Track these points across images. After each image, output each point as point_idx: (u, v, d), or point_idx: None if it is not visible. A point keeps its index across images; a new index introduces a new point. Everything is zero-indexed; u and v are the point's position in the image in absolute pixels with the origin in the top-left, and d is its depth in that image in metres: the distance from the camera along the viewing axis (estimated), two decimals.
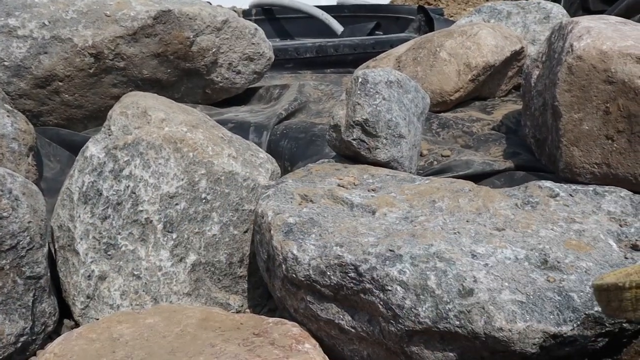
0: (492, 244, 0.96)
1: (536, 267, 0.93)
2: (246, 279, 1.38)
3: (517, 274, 0.91)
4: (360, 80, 1.30)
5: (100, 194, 1.29)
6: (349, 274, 0.98)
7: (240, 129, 1.68)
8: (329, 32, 3.73)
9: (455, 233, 1.00)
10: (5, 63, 1.73)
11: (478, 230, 1.01)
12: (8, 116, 1.50)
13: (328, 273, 1.01)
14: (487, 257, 0.94)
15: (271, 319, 1.12)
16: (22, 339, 1.20)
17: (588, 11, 2.88)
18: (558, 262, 0.93)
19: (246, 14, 3.96)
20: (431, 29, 2.95)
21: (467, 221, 1.04)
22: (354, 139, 1.31)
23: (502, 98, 2.00)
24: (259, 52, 2.00)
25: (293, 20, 3.96)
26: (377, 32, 3.50)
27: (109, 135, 1.31)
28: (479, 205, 1.08)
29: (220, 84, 1.98)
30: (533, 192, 1.13)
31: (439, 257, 0.93)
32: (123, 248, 1.30)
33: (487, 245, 0.96)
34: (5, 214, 1.16)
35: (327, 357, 1.03)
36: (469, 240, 0.98)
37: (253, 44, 1.98)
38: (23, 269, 1.21)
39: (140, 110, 1.32)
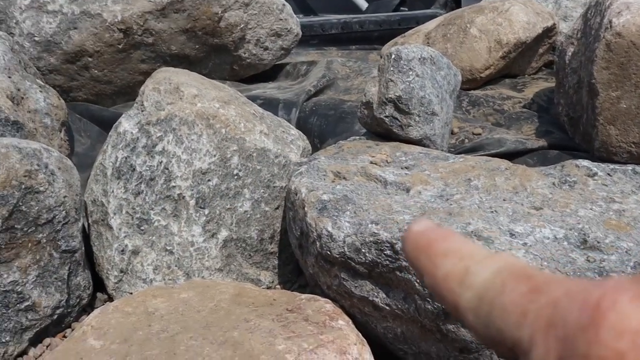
0: (531, 223, 0.95)
1: (576, 247, 0.92)
2: (277, 255, 1.38)
3: (556, 253, 0.90)
4: (393, 56, 1.29)
5: (134, 169, 1.30)
6: (385, 252, 0.98)
7: (270, 105, 1.68)
8: (352, 8, 3.70)
9: (492, 212, 0.99)
10: (36, 38, 1.73)
11: (516, 209, 1.00)
12: (41, 91, 1.51)
13: (363, 250, 1.01)
14: (526, 236, 0.93)
15: (304, 295, 1.13)
16: (58, 312, 1.22)
17: None
18: (598, 242, 0.92)
19: None
20: (458, 5, 2.91)
21: (504, 200, 1.03)
22: (386, 116, 1.30)
23: (532, 75, 1.97)
24: (286, 28, 1.99)
25: None
26: (402, 8, 3.46)
27: (142, 111, 1.31)
28: (516, 184, 1.07)
29: (248, 60, 1.97)
30: (570, 171, 1.12)
31: (477, 236, 0.93)
32: (156, 223, 1.31)
33: (526, 224, 0.95)
34: (41, 189, 1.17)
35: (360, 333, 1.04)
36: (507, 219, 0.97)
37: (281, 19, 1.97)
38: (59, 243, 1.22)
39: (172, 86, 1.32)
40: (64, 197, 1.21)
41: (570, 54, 1.47)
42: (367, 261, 1.01)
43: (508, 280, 0.21)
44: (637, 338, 0.17)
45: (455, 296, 0.23)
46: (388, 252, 0.98)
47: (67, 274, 1.25)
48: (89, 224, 1.37)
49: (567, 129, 1.51)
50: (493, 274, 0.22)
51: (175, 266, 1.31)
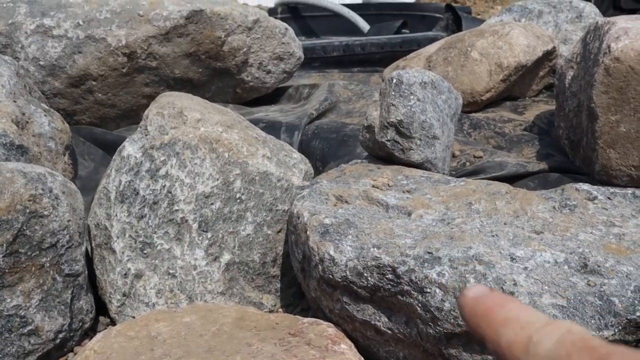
0: (531, 247, 0.96)
1: (576, 270, 0.93)
2: (279, 278, 1.39)
3: (557, 277, 0.91)
4: (394, 81, 1.30)
5: (137, 193, 1.31)
6: (387, 276, 0.99)
7: (272, 128, 1.69)
8: (355, 30, 3.73)
9: (493, 236, 1.00)
10: (41, 62, 1.75)
11: (516, 233, 1.01)
12: (45, 115, 1.53)
13: (365, 274, 1.01)
14: (527, 261, 0.93)
15: (306, 319, 1.13)
16: (60, 336, 1.23)
17: (620, 10, 2.85)
18: (598, 266, 0.93)
19: (272, 12, 3.98)
20: (459, 28, 2.94)
21: (505, 224, 1.04)
22: (388, 140, 1.31)
23: (533, 98, 1.99)
24: (289, 52, 2.01)
25: (319, 19, 3.97)
26: (403, 31, 3.49)
27: (146, 135, 1.33)
28: (517, 208, 1.08)
29: (251, 84, 1.99)
30: (570, 194, 1.12)
31: (478, 260, 0.93)
32: (159, 247, 1.31)
33: (526, 248, 0.96)
34: (46, 213, 1.18)
35: (362, 357, 1.04)
36: (508, 243, 0.98)
37: (283, 43, 1.99)
38: (62, 267, 1.23)
39: (176, 110, 1.33)
40: (68, 221, 1.22)
41: (570, 77, 1.48)
42: (369, 285, 1.01)
43: (572, 351, 0.22)
44: None
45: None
46: (390, 276, 0.98)
47: (70, 297, 1.25)
48: (91, 248, 1.37)
49: (568, 152, 1.52)
50: (557, 344, 0.23)
51: (178, 290, 1.32)
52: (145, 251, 1.31)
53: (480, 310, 0.26)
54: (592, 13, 2.07)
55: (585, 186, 1.15)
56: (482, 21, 3.07)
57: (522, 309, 0.25)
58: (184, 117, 1.33)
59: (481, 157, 1.55)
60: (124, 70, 1.80)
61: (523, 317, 0.25)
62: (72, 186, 1.28)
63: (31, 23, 1.74)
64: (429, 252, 0.96)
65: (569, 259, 0.94)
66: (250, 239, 1.34)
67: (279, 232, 1.36)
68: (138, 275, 1.32)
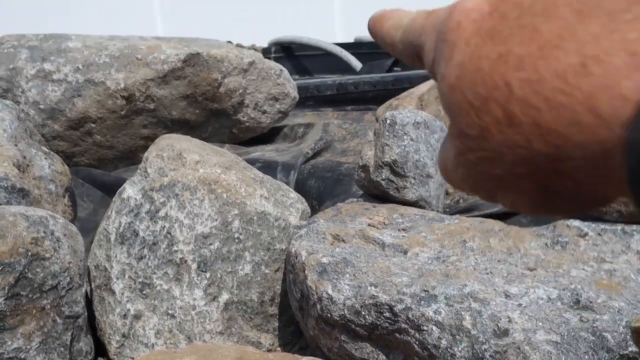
0: (525, 284, 0.98)
1: (569, 307, 0.95)
2: (277, 317, 1.40)
3: (550, 314, 0.93)
4: (388, 121, 1.34)
5: (137, 234, 1.33)
6: (384, 314, 1.01)
7: (269, 168, 1.72)
8: (347, 68, 3.80)
9: (487, 273, 1.02)
10: (41, 106, 1.79)
11: (510, 270, 1.03)
12: (46, 158, 1.55)
13: (363, 313, 1.03)
14: (521, 297, 0.96)
15: (305, 358, 1.14)
16: None
17: None
18: (590, 302, 0.95)
19: (266, 51, 4.05)
20: None
21: (499, 261, 1.07)
22: (382, 179, 1.34)
23: None
24: (284, 92, 2.05)
25: (312, 58, 4.04)
26: (395, 69, 3.56)
27: (146, 177, 1.35)
28: (510, 245, 1.11)
29: (247, 124, 2.03)
30: (562, 231, 1.15)
31: (473, 297, 0.95)
32: (158, 287, 1.33)
33: (520, 285, 0.98)
34: (47, 255, 1.20)
35: None
36: (502, 280, 1.00)
37: (278, 84, 2.04)
38: (62, 309, 1.24)
39: (175, 152, 1.36)
40: (69, 263, 1.23)
41: None
42: (367, 323, 1.03)
43: (418, 16, 0.32)
44: (469, 13, 0.25)
45: (391, 37, 0.33)
46: (387, 314, 1.00)
47: (69, 339, 1.26)
48: (91, 289, 1.39)
49: None
50: (411, 19, 0.32)
51: (177, 330, 1.33)
52: (144, 292, 1.33)
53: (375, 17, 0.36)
54: None
55: (576, 222, 1.18)
56: None
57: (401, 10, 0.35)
58: (183, 159, 1.36)
59: None
60: (123, 113, 1.84)
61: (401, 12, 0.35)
62: (73, 228, 1.30)
63: (32, 68, 1.78)
64: (425, 290, 0.99)
65: (562, 295, 0.96)
66: (249, 278, 1.36)
67: (276, 271, 1.38)
68: (137, 316, 1.33)
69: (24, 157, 1.50)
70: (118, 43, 1.86)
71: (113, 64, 1.82)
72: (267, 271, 1.37)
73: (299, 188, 1.70)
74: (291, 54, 4.09)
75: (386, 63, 3.56)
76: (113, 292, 1.33)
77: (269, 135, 2.16)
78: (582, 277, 1.01)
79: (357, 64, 3.72)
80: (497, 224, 1.20)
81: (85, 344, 1.30)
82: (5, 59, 1.81)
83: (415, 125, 1.35)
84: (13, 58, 1.81)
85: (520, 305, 0.94)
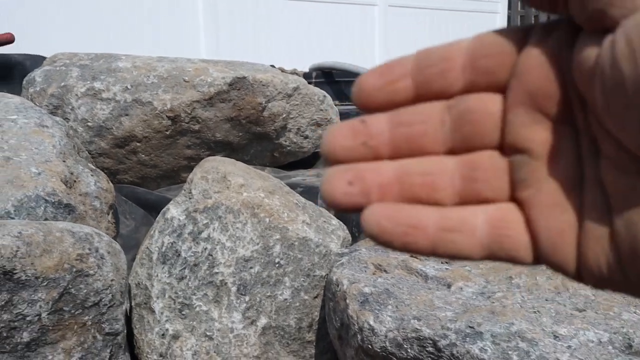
0: (574, 325, 0.96)
1: (620, 351, 0.92)
2: (314, 344, 1.39)
3: (601, 357, 0.90)
4: None
5: (179, 254, 1.33)
6: (427, 348, 0.99)
7: (309, 193, 1.72)
8: None
9: (535, 312, 1.00)
10: (89, 123, 1.82)
11: (558, 310, 1.00)
12: (92, 175, 1.58)
13: (405, 346, 1.01)
14: (570, 339, 0.93)
15: None
16: None
17: None
18: None
19: (306, 76, 4.08)
20: None
21: (547, 300, 1.04)
22: None
23: None
24: (326, 118, 2.06)
25: (352, 84, 4.05)
26: None
27: (190, 198, 1.36)
28: (558, 284, 1.08)
29: (288, 148, 2.04)
30: None
31: (520, 337, 0.93)
32: (197, 308, 1.33)
33: (569, 326, 0.96)
34: (91, 272, 1.21)
35: None
36: (550, 320, 0.98)
37: (321, 110, 2.04)
38: (103, 325, 1.25)
39: (220, 175, 1.37)
40: (112, 280, 1.24)
41: None
42: (408, 357, 1.01)
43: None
44: None
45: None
46: (430, 349, 0.99)
47: (108, 356, 1.26)
48: (131, 307, 1.39)
49: None
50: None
51: (214, 352, 1.33)
52: (183, 312, 1.33)
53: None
54: None
55: None
56: None
57: None
58: (227, 182, 1.37)
59: None
60: (168, 133, 1.86)
61: None
62: (117, 246, 1.31)
63: (82, 86, 1.82)
64: (470, 327, 0.97)
65: (613, 339, 0.94)
66: (287, 303, 1.35)
67: (315, 297, 1.37)
68: (175, 336, 1.33)
69: (72, 174, 1.52)
70: (166, 64, 1.89)
71: (161, 84, 1.85)
72: (306, 297, 1.36)
73: (340, 215, 1.69)
74: (331, 79, 4.11)
75: None
76: (152, 311, 1.34)
77: (309, 160, 2.16)
78: (634, 321, 0.98)
79: None
80: None
81: None
82: (58, 76, 1.85)
83: None
84: (65, 76, 1.85)
85: (569, 347, 0.92)
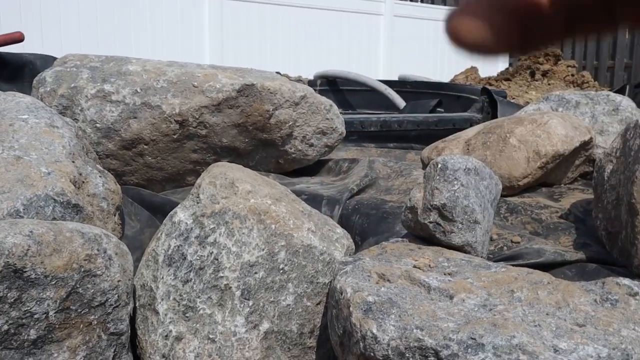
0: (574, 340, 0.98)
1: None
2: (315, 350, 1.41)
3: None
4: (440, 166, 1.35)
5: (185, 258, 1.35)
6: (429, 358, 1.01)
7: (314, 201, 1.74)
8: (390, 106, 3.83)
9: (536, 325, 1.02)
10: (98, 125, 1.84)
11: (559, 324, 1.02)
12: (100, 176, 1.60)
13: (407, 355, 1.03)
14: (570, 353, 0.95)
15: None
16: None
17: None
18: None
19: (311, 84, 4.11)
20: (494, 111, 3.01)
21: (547, 314, 1.06)
22: (430, 222, 1.35)
23: (568, 185, 2.02)
24: (332, 127, 2.08)
25: (356, 93, 4.09)
26: (438, 109, 3.58)
27: (197, 202, 1.38)
28: (559, 299, 1.10)
29: (293, 155, 2.06)
30: (611, 288, 1.14)
31: (521, 350, 0.95)
32: (201, 311, 1.35)
33: (569, 340, 0.97)
34: (99, 272, 1.23)
35: None
36: (551, 334, 0.99)
37: (327, 119, 2.07)
38: (108, 325, 1.27)
39: (228, 181, 1.39)
40: (118, 281, 1.26)
41: (609, 171, 1.52)
42: None
43: None
44: None
45: None
46: (432, 358, 1.00)
47: (112, 356, 1.28)
48: (135, 308, 1.41)
49: (605, 243, 1.54)
50: None
51: (216, 355, 1.34)
52: (187, 314, 1.35)
53: None
54: (628, 107, 2.12)
55: (626, 281, 1.17)
56: (517, 105, 3.14)
57: None
58: (235, 188, 1.39)
59: (519, 242, 1.57)
60: (175, 137, 1.89)
61: None
62: (124, 247, 1.33)
63: (92, 88, 1.84)
64: (472, 338, 0.99)
65: (612, 355, 0.95)
66: (290, 309, 1.37)
67: (318, 304, 1.39)
68: (179, 338, 1.35)
69: (80, 174, 1.54)
70: (176, 69, 1.91)
71: (170, 89, 1.87)
72: (308, 303, 1.38)
73: (343, 223, 1.71)
74: (336, 87, 4.15)
75: (430, 103, 3.58)
76: (157, 313, 1.36)
77: (313, 167, 2.18)
78: (632, 337, 1.00)
79: (400, 102, 3.76)
80: (545, 276, 1.19)
81: None
82: (68, 77, 1.87)
83: (466, 171, 1.36)
84: (75, 77, 1.87)
85: None
